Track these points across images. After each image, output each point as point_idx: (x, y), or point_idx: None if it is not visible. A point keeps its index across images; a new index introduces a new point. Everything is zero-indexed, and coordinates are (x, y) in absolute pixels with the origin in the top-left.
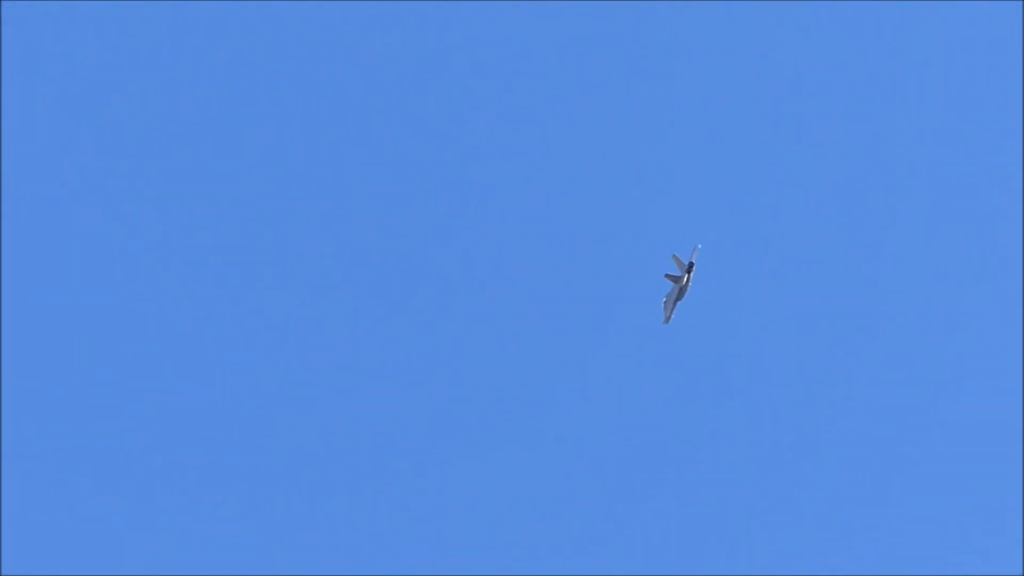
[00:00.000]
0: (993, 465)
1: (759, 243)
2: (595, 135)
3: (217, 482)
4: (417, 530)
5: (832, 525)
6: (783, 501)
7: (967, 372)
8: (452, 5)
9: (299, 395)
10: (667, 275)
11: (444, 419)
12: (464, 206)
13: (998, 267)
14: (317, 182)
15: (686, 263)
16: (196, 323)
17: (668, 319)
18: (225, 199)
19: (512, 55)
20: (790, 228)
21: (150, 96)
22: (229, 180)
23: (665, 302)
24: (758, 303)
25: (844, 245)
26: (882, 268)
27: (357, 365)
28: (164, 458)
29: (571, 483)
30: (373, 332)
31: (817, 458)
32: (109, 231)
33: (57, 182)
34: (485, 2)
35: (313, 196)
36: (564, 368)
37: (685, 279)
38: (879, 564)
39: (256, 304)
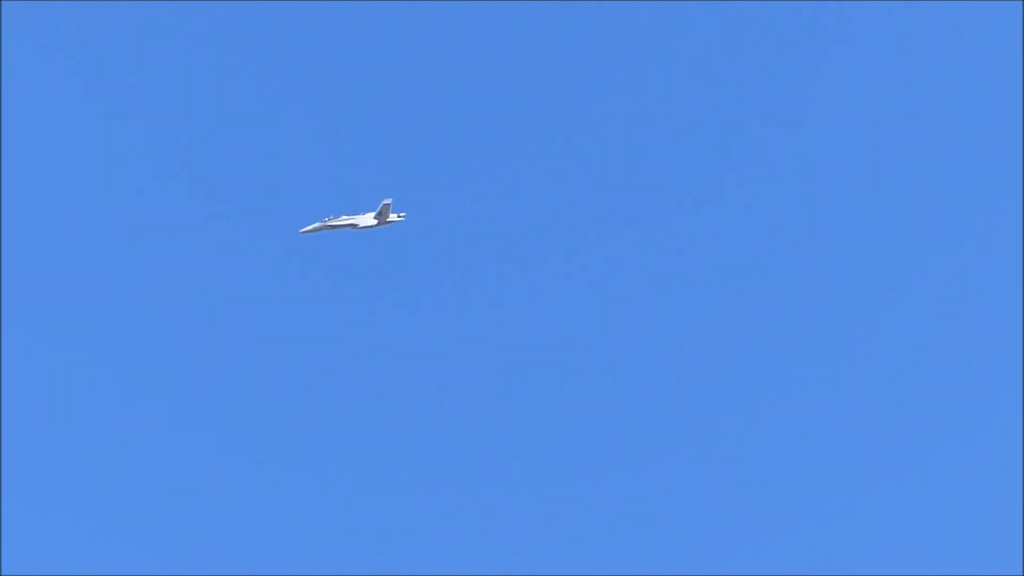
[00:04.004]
0: (993, 465)
1: (758, 242)
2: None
3: (217, 481)
4: (417, 530)
5: (832, 525)
6: (783, 501)
7: (967, 372)
8: (452, 5)
9: (297, 394)
10: (382, 212)
11: (443, 418)
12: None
13: (998, 267)
14: (314, 181)
15: (389, 215)
16: (195, 323)
17: (309, 231)
18: (224, 198)
19: (510, 55)
20: (789, 226)
21: (150, 96)
22: (228, 179)
23: (327, 221)
24: (759, 302)
25: (843, 245)
26: (881, 268)
27: (357, 365)
28: (164, 458)
29: (571, 483)
30: (372, 332)
31: (818, 458)
32: (108, 230)
33: (57, 181)
34: (485, 2)
35: (311, 195)
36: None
37: (380, 220)
38: (880, 564)
39: (253, 303)
